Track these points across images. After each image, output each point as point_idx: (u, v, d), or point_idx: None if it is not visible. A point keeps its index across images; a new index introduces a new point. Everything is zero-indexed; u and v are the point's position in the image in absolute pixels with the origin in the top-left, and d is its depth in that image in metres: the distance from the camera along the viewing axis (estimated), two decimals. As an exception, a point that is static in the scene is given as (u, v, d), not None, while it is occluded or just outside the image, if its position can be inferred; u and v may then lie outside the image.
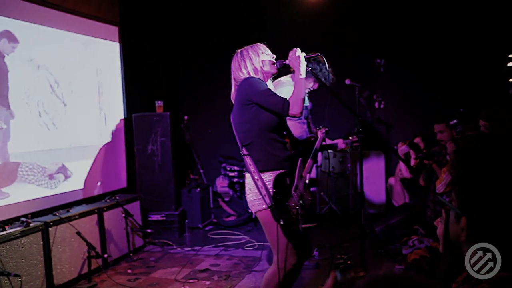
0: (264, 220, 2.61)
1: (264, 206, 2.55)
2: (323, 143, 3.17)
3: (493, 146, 0.93)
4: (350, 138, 4.22)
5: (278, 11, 6.11)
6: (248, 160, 2.60)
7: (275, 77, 2.88)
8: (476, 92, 5.55)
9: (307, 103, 3.91)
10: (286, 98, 2.54)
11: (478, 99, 5.40)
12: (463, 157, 0.95)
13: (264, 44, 2.71)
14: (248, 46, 2.70)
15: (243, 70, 2.65)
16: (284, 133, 2.79)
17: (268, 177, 2.57)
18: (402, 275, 0.75)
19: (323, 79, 3.42)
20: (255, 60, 2.64)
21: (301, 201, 2.62)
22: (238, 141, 2.69)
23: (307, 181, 2.75)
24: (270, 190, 2.53)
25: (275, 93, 2.57)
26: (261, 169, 2.58)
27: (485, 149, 0.91)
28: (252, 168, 2.58)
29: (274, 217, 2.51)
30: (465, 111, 5.23)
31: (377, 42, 6.10)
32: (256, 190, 2.57)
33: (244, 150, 2.63)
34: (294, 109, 2.50)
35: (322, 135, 3.14)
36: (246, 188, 2.67)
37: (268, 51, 2.70)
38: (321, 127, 3.20)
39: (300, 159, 2.73)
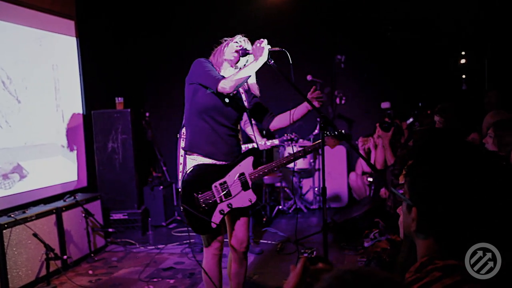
0: None
1: (180, 188, 2.60)
2: None
3: (443, 138, 0.96)
4: (285, 136, 4.23)
5: (241, 8, 6.10)
6: (180, 143, 2.68)
7: None
8: (432, 87, 5.76)
9: None
10: (223, 75, 2.56)
11: (435, 95, 5.61)
12: (415, 148, 0.97)
13: (242, 35, 2.68)
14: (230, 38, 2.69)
15: (211, 56, 2.71)
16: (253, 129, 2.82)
17: (192, 159, 2.62)
18: (366, 269, 0.76)
19: None
20: (224, 50, 2.65)
21: (211, 200, 2.58)
22: None
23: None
24: (183, 173, 2.60)
25: (216, 72, 2.58)
26: (187, 149, 2.65)
27: (436, 141, 0.94)
28: (181, 151, 2.68)
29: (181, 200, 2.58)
30: (423, 105, 5.42)
31: (338, 39, 6.20)
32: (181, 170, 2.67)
33: (181, 132, 2.70)
34: (225, 83, 2.43)
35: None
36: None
37: (242, 41, 2.65)
38: None
39: (251, 158, 2.69)
